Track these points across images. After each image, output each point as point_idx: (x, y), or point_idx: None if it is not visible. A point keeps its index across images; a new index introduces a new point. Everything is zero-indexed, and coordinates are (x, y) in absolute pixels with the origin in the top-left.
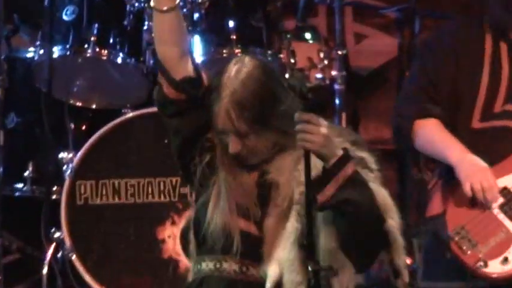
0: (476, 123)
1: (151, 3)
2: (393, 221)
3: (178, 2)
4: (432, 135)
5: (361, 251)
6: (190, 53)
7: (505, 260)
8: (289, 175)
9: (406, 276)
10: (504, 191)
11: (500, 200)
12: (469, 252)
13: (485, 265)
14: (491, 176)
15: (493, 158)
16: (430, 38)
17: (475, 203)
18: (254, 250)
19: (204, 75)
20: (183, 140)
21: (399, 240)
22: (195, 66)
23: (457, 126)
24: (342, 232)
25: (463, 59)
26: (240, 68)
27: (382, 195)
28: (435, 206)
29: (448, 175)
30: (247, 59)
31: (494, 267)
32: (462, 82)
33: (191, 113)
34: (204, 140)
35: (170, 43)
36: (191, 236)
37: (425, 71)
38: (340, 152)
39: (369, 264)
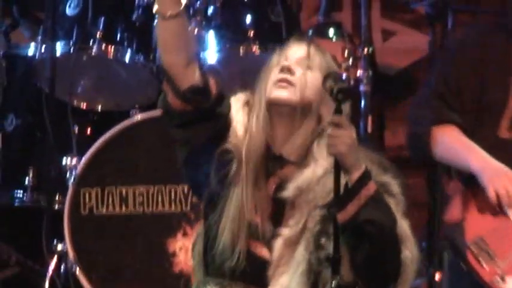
0: (504, 133)
1: (155, 8)
2: (409, 253)
3: (183, 8)
4: (452, 141)
5: (374, 275)
6: (198, 59)
7: None
8: (307, 196)
9: None
10: None
11: None
12: (486, 265)
13: (503, 280)
14: None
15: None
16: (452, 45)
17: (498, 212)
18: (261, 274)
19: (212, 84)
20: (190, 151)
21: (409, 275)
22: (203, 74)
23: (481, 136)
24: (359, 252)
25: (490, 68)
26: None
27: (403, 224)
28: (454, 211)
29: (470, 180)
30: None
31: None
32: (489, 91)
33: (198, 124)
34: (219, 155)
35: (175, 50)
36: (196, 255)
37: (445, 80)
38: (363, 166)
39: None
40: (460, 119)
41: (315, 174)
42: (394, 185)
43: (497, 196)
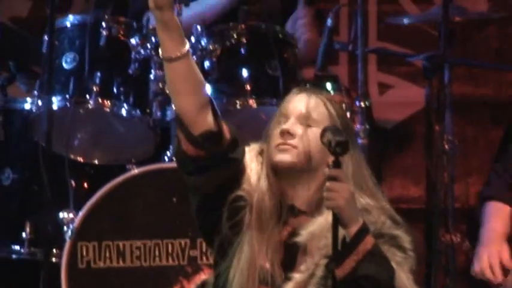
0: None
1: (160, 54)
2: None
3: (188, 49)
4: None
5: None
6: (211, 102)
7: None
8: (319, 243)
9: None
10: None
11: None
12: None
13: None
14: (502, 252)
15: None
16: None
17: None
18: None
19: (226, 129)
20: (203, 198)
21: None
22: (216, 119)
23: None
24: None
25: None
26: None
27: (404, 278)
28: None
29: None
30: None
31: None
32: None
33: (212, 170)
34: (231, 201)
35: (185, 94)
36: None
37: (501, 157)
38: (361, 220)
39: None
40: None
41: (327, 221)
42: (406, 241)
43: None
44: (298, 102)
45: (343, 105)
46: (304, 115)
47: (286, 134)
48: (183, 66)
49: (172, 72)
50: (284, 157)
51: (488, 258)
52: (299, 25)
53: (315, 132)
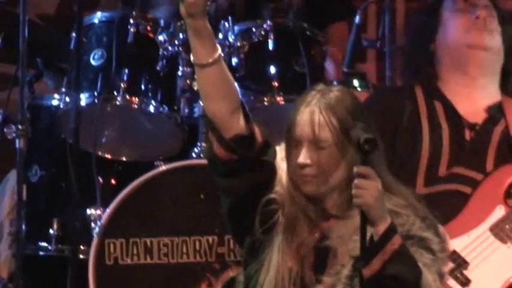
0: (420, 189)
1: (191, 59)
2: None
3: (220, 54)
4: None
5: None
6: (243, 106)
7: None
8: (348, 246)
9: None
10: (453, 255)
11: (450, 264)
12: None
13: None
14: None
15: (441, 222)
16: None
17: None
18: None
19: (257, 132)
20: (236, 201)
21: None
22: (248, 122)
23: None
24: None
25: (398, 130)
26: (328, 87)
27: (430, 279)
28: None
29: None
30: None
31: None
32: (400, 152)
33: (244, 173)
34: (263, 205)
35: (217, 98)
36: None
37: None
38: (389, 219)
39: None
40: None
41: (357, 224)
42: (436, 243)
43: None
44: (306, 126)
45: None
46: (313, 140)
47: (303, 166)
48: (214, 72)
49: (203, 78)
50: (308, 188)
51: None
52: None
53: (327, 153)
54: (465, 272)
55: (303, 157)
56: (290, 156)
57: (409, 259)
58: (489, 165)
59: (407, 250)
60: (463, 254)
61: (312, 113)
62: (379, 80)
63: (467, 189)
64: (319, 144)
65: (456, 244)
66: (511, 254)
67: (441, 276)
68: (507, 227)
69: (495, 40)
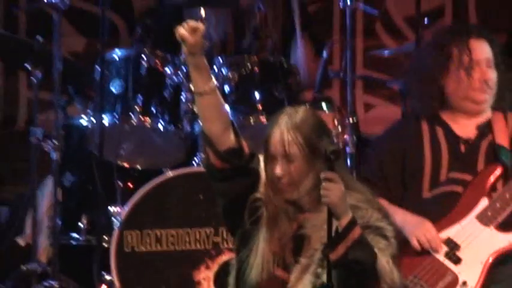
0: (426, 194)
1: (192, 89)
2: (386, 286)
3: (215, 84)
4: None
5: None
6: (232, 125)
7: None
8: (319, 234)
9: None
10: (448, 240)
11: (445, 248)
12: None
13: None
14: (432, 228)
15: (442, 217)
16: (377, 140)
17: (424, 253)
18: None
19: (245, 145)
20: (229, 200)
21: None
22: (237, 137)
23: (410, 198)
24: (347, 284)
25: (407, 150)
26: (295, 109)
27: (384, 261)
28: None
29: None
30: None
31: None
32: (409, 166)
33: (235, 178)
34: (251, 202)
35: (212, 120)
36: (231, 281)
37: (370, 167)
38: (351, 214)
39: None
40: (386, 192)
41: (326, 216)
42: (390, 230)
43: (419, 243)
44: (278, 144)
45: (335, 121)
46: (285, 155)
47: (279, 178)
48: (210, 98)
49: (201, 104)
50: (284, 195)
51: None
52: (299, 56)
53: (296, 166)
54: (457, 253)
55: (278, 170)
56: (267, 169)
57: (367, 246)
58: (479, 168)
59: (365, 239)
60: (455, 240)
61: (282, 133)
62: (342, 102)
63: (460, 189)
64: (290, 159)
65: (450, 232)
66: (492, 235)
67: (394, 258)
68: (489, 213)
69: (494, 89)
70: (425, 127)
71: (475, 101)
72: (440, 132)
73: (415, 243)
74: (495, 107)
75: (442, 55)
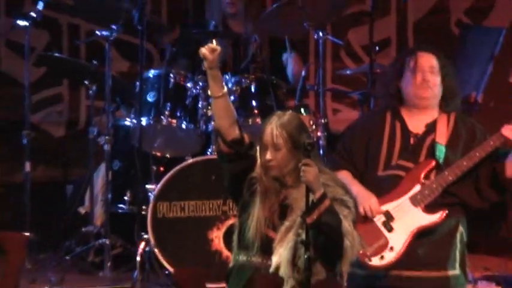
0: (380, 172)
1: (209, 92)
2: (349, 242)
3: (225, 91)
4: (344, 180)
5: (329, 258)
6: (237, 122)
7: (381, 258)
8: (300, 203)
9: (345, 279)
10: (386, 213)
11: (383, 218)
12: (361, 251)
13: (370, 260)
14: (375, 201)
15: (386, 193)
16: (353, 124)
17: (367, 220)
18: (270, 247)
19: (246, 137)
20: (232, 177)
21: (349, 256)
22: (240, 131)
23: (369, 175)
24: (320, 241)
25: (372, 135)
26: (282, 113)
27: (346, 224)
28: None
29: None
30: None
31: (375, 262)
32: (371, 148)
33: (238, 161)
34: (249, 179)
35: (223, 117)
36: (235, 238)
37: (343, 144)
38: (322, 190)
39: (333, 265)
40: (351, 167)
41: (304, 190)
42: (350, 201)
43: (364, 211)
44: (268, 137)
45: (311, 121)
46: (273, 145)
47: (270, 162)
48: (222, 101)
49: (216, 105)
50: (272, 173)
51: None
52: (290, 66)
53: (282, 153)
54: (391, 223)
55: (268, 156)
56: (261, 155)
57: (335, 213)
58: (421, 160)
59: (333, 207)
60: (391, 213)
61: (272, 129)
62: (316, 108)
63: (403, 174)
64: (277, 148)
65: (389, 207)
66: (419, 214)
67: (353, 222)
68: (419, 197)
69: (436, 88)
70: (388, 120)
71: (418, 97)
72: (398, 126)
73: (361, 210)
74: (442, 110)
75: (398, 63)
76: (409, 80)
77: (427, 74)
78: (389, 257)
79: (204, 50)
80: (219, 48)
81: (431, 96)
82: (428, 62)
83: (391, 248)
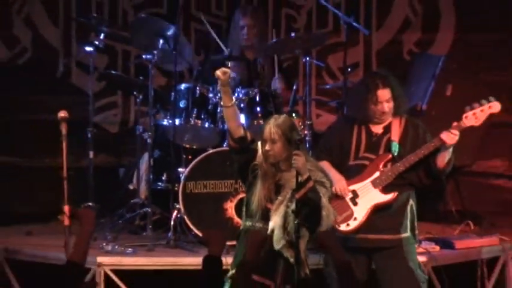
0: (351, 162)
1: (221, 103)
2: (325, 213)
3: (234, 102)
4: (324, 167)
5: (312, 224)
6: (242, 125)
7: (347, 225)
8: (291, 183)
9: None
10: (353, 191)
11: (350, 195)
12: (334, 220)
13: (339, 226)
14: (345, 183)
15: (354, 176)
16: (331, 126)
17: (339, 197)
18: (268, 215)
19: (249, 135)
20: (240, 165)
21: (325, 223)
22: (244, 130)
23: (344, 165)
24: (304, 211)
25: (344, 136)
26: (279, 116)
27: (324, 200)
28: None
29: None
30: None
31: (343, 228)
32: (345, 145)
33: (243, 153)
34: (252, 166)
35: (231, 121)
36: (243, 208)
37: (324, 141)
38: (308, 174)
39: (314, 229)
40: (330, 158)
41: (293, 173)
42: (327, 183)
43: (336, 190)
44: (267, 133)
45: (300, 123)
46: (271, 139)
47: (268, 152)
48: (231, 110)
49: (226, 112)
50: (270, 160)
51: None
52: (277, 86)
53: (277, 146)
54: (356, 199)
55: (267, 147)
56: (262, 147)
57: (316, 191)
58: (380, 152)
59: (315, 187)
60: (357, 192)
61: (270, 128)
62: (304, 113)
63: (367, 163)
64: (274, 142)
65: (356, 187)
66: (377, 194)
67: (330, 199)
68: (378, 181)
69: (392, 108)
70: (356, 127)
71: (379, 119)
72: (363, 130)
73: (334, 189)
74: (396, 114)
75: (365, 95)
76: (373, 108)
77: (385, 104)
78: (353, 224)
79: (218, 72)
80: (229, 71)
81: (388, 114)
82: (385, 96)
83: (355, 218)
